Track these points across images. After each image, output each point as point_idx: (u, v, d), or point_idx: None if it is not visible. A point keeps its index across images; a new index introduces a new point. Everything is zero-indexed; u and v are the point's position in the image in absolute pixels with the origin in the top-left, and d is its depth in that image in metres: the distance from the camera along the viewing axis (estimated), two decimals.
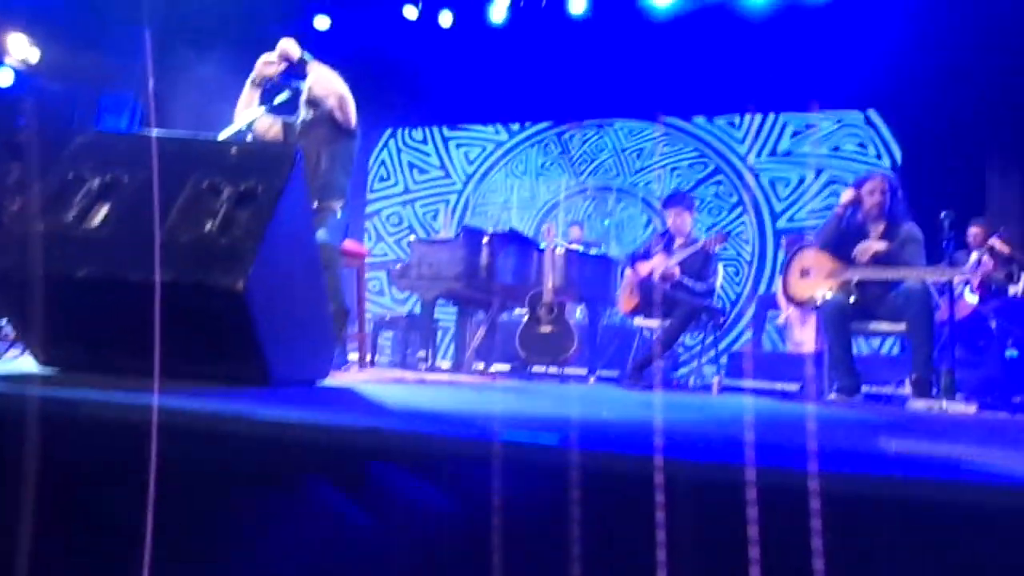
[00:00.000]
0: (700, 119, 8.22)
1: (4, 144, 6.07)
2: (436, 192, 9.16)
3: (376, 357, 6.28)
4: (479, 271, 4.98)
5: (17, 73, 6.08)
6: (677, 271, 4.49)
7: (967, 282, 5.21)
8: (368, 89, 8.10)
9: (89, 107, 6.55)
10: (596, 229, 8.14)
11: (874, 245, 3.83)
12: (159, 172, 1.35)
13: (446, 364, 6.17)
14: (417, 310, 6.01)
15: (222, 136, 3.12)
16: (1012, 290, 5.08)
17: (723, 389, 4.74)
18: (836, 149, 7.64)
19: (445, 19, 8.02)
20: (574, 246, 7.28)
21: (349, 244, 3.74)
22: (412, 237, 5.42)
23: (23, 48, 5.89)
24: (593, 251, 5.99)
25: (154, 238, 1.26)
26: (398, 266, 5.31)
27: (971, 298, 5.37)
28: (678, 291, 4.47)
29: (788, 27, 6.97)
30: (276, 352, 1.39)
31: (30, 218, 1.33)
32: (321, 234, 3.33)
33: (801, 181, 7.68)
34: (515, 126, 8.97)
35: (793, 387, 5.29)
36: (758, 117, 7.97)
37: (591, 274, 5.43)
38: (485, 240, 5.03)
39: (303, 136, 3.57)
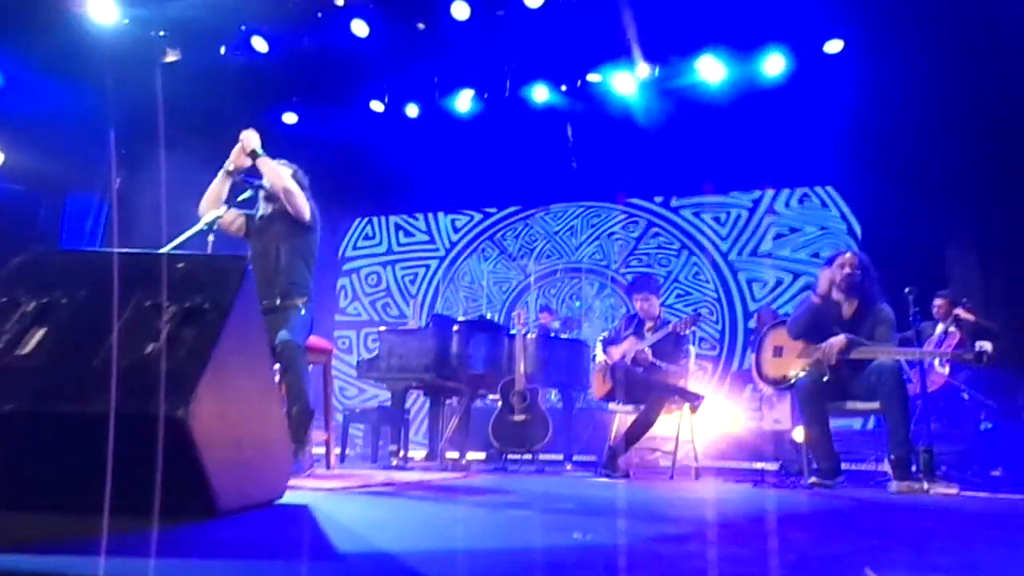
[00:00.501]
0: (674, 201, 8.40)
1: None
2: (418, 257, 9.18)
3: (347, 451, 6.10)
4: (450, 360, 4.90)
5: None
6: (649, 354, 4.46)
7: None
8: (338, 181, 8.21)
9: (55, 209, 6.50)
10: (568, 312, 8.14)
11: (836, 344, 3.77)
12: (100, 292, 1.29)
13: (420, 455, 6.00)
14: (388, 401, 5.88)
15: (188, 234, 3.09)
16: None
17: (702, 473, 4.64)
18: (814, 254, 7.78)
19: (411, 111, 8.19)
20: (553, 324, 7.28)
21: (314, 340, 3.66)
22: (382, 328, 5.33)
23: None
24: (565, 335, 5.96)
25: (88, 364, 1.19)
26: (373, 351, 5.22)
27: (942, 370, 5.40)
28: (651, 374, 4.43)
29: (746, 108, 7.22)
30: (225, 479, 1.30)
31: None
32: (283, 333, 3.26)
33: (779, 283, 7.80)
34: (477, 214, 9.09)
35: (773, 467, 5.21)
36: (744, 214, 8.13)
37: (563, 359, 5.38)
38: (455, 328, 4.98)
39: (263, 231, 3.55)
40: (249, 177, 3.47)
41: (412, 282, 9.03)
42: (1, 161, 6.39)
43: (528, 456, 4.87)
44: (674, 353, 4.58)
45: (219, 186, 3.43)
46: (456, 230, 9.14)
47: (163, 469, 1.18)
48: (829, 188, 7.77)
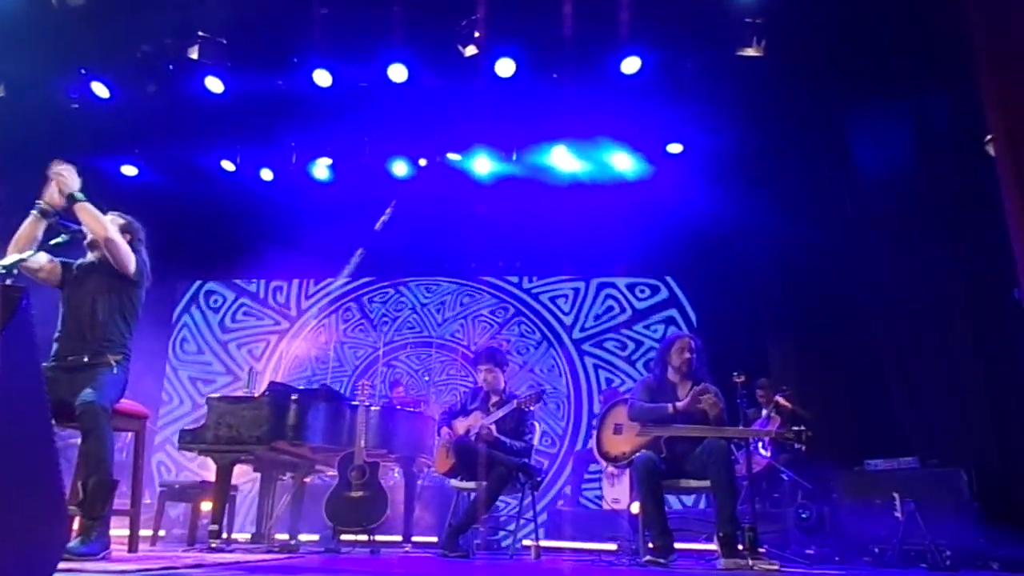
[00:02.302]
0: (526, 282, 8.57)
1: None
2: (260, 331, 8.68)
3: (160, 532, 5.49)
4: (286, 432, 4.59)
5: None
6: (493, 430, 4.40)
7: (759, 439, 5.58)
8: (177, 240, 7.70)
9: None
10: (417, 386, 7.98)
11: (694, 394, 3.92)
12: None
13: (245, 537, 5.51)
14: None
15: None
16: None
17: (542, 553, 4.57)
18: (648, 326, 8.17)
19: (266, 174, 7.95)
20: (403, 395, 7.04)
21: (126, 404, 3.30)
22: (213, 395, 4.93)
23: None
24: (410, 409, 5.80)
25: None
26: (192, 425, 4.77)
27: (765, 453, 5.74)
28: (496, 450, 4.36)
29: (601, 199, 7.62)
30: None
31: None
32: (87, 393, 2.92)
33: (621, 348, 8.10)
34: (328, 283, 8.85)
35: (611, 547, 5.23)
36: (581, 286, 8.43)
37: (406, 432, 5.20)
38: (294, 398, 4.69)
39: (79, 282, 3.22)
40: (65, 220, 3.15)
41: (257, 358, 8.54)
42: None
43: (365, 536, 4.59)
44: (518, 429, 4.54)
45: (31, 228, 3.07)
46: (309, 296, 8.80)
47: None
48: (668, 278, 8.27)
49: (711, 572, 3.52)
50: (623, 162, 7.53)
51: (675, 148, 7.41)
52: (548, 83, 6.68)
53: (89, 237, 3.21)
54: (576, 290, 8.43)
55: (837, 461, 5.38)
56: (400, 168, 7.92)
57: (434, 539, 5.48)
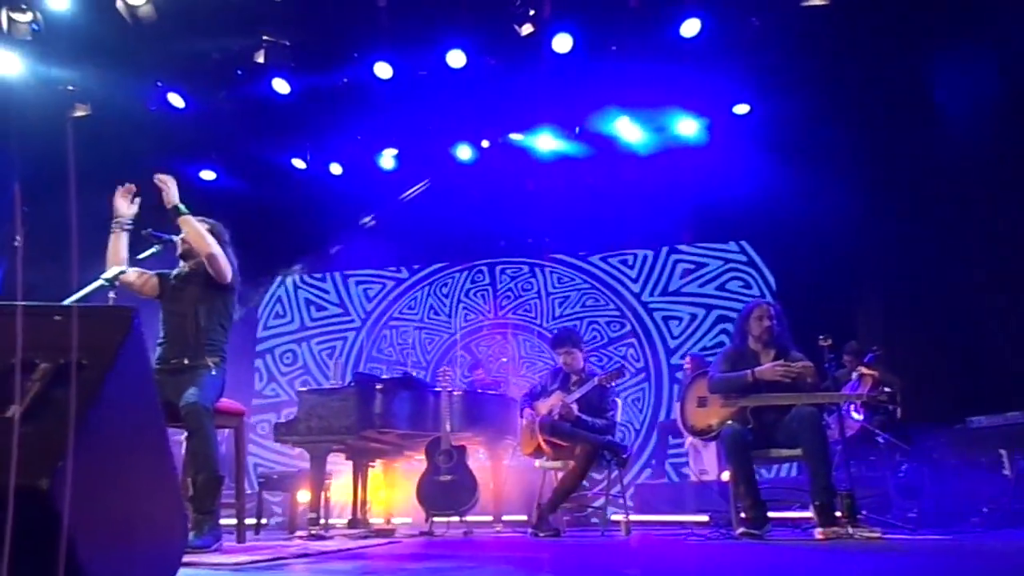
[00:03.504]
0: (594, 257, 8.51)
1: None
2: (334, 329, 8.92)
3: (263, 521, 5.77)
4: (374, 420, 4.72)
5: None
6: (575, 409, 4.41)
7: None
8: (257, 237, 8.00)
9: None
10: (496, 368, 8.06)
11: (773, 368, 3.84)
12: None
13: (341, 522, 5.72)
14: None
15: (85, 291, 2.89)
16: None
17: (633, 528, 4.58)
18: (721, 287, 8.00)
19: (335, 169, 8.14)
20: (482, 377, 7.14)
21: (225, 403, 3.46)
22: (301, 388, 5.12)
23: None
24: (492, 392, 5.87)
25: None
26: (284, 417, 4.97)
27: (857, 416, 5.55)
28: (578, 429, 4.37)
29: (668, 168, 7.48)
30: (99, 560, 1.16)
31: None
32: (190, 394, 3.07)
33: (693, 318, 7.97)
34: (405, 270, 8.99)
35: (703, 519, 5.18)
36: (649, 254, 8.33)
37: (490, 415, 5.27)
38: (379, 387, 4.81)
39: (179, 292, 3.39)
40: (157, 231, 3.31)
41: (330, 355, 8.78)
42: None
43: (456, 518, 4.70)
44: (600, 407, 4.54)
45: (116, 243, 3.25)
46: (374, 295, 8.97)
47: (22, 548, 1.04)
48: (743, 242, 8.05)
49: (809, 542, 3.45)
50: (688, 127, 7.36)
51: (742, 109, 7.19)
52: (607, 55, 6.58)
53: (181, 248, 3.37)
54: (647, 259, 8.32)
55: (936, 420, 5.16)
56: (464, 152, 7.97)
57: (523, 518, 5.55)
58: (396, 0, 6.10)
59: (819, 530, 3.47)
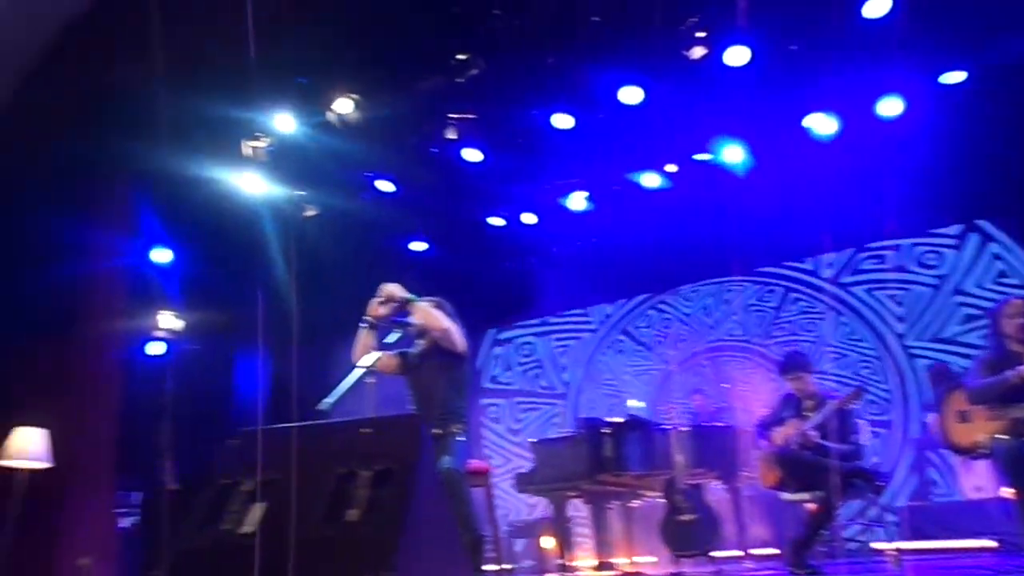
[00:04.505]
0: (807, 262, 8.08)
1: (157, 408, 6.64)
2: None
3: (509, 566, 6.05)
4: (605, 464, 4.82)
5: (166, 343, 6.80)
6: (816, 436, 4.21)
7: None
8: (467, 296, 8.56)
9: (226, 364, 7.17)
10: (718, 394, 7.85)
11: None
12: (301, 464, 1.42)
13: (588, 564, 5.85)
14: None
15: (349, 380, 3.31)
16: None
17: (905, 556, 4.22)
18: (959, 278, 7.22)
19: (529, 218, 8.53)
20: (703, 405, 6.99)
21: (473, 464, 3.74)
22: (531, 440, 5.37)
23: (170, 321, 6.63)
24: (719, 423, 5.75)
25: (302, 536, 1.30)
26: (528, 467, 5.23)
27: None
28: (822, 458, 4.15)
29: (866, 155, 6.98)
30: None
31: (191, 532, 1.42)
32: (445, 460, 3.36)
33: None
34: (609, 306, 9.08)
35: (989, 544, 4.64)
36: (858, 253, 7.77)
37: (721, 449, 5.16)
38: (605, 431, 4.92)
39: (418, 367, 3.75)
40: (396, 318, 3.71)
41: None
42: (179, 326, 7.15)
43: (703, 556, 4.64)
44: (842, 431, 4.28)
45: (365, 338, 3.66)
46: (582, 328, 9.15)
47: None
48: (982, 222, 7.22)
49: None
50: (890, 107, 6.80)
51: (954, 77, 6.52)
52: (786, 57, 6.32)
53: (417, 328, 3.74)
54: (861, 257, 7.73)
55: None
56: (651, 180, 7.99)
57: (772, 551, 5.33)
58: (563, 55, 6.36)
59: None
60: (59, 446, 5.30)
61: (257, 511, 1.45)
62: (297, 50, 5.83)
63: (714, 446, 5.09)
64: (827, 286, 7.86)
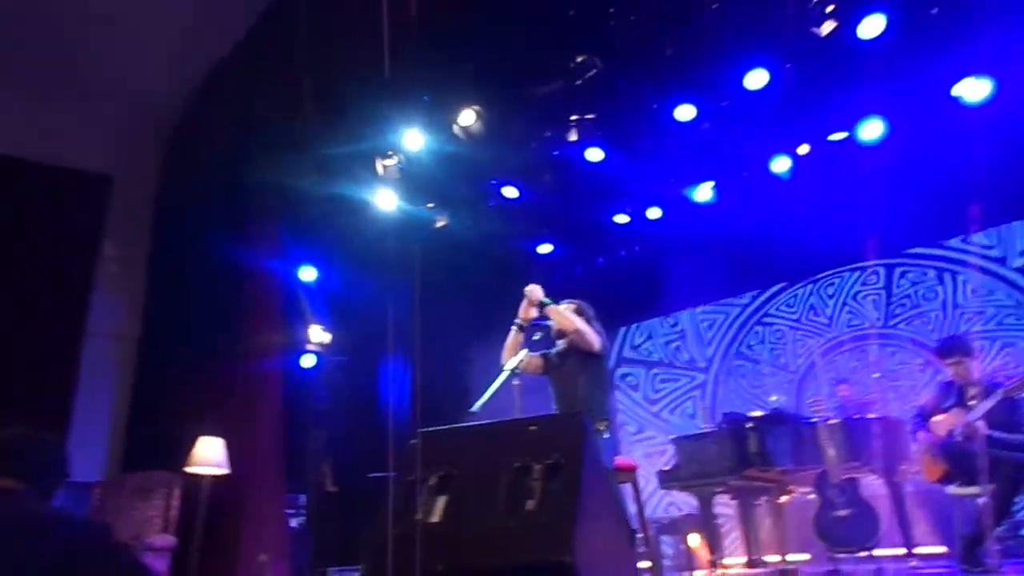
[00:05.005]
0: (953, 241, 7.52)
1: (312, 415, 7.17)
2: (686, 366, 9.10)
3: (661, 563, 6.03)
4: (751, 459, 4.74)
5: (316, 355, 7.32)
6: (982, 426, 3.94)
7: None
8: (597, 294, 8.62)
9: (372, 374, 7.61)
10: (866, 384, 7.46)
11: None
12: (477, 460, 1.54)
13: (738, 562, 5.74)
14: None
15: (498, 382, 3.47)
16: None
17: None
18: None
19: (654, 213, 8.45)
20: (849, 395, 6.65)
21: (620, 460, 3.80)
22: (672, 436, 5.35)
23: (319, 335, 7.13)
24: (871, 415, 5.48)
25: (485, 524, 1.42)
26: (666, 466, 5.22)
27: None
28: (991, 449, 3.88)
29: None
30: None
31: (389, 521, 1.57)
32: None
33: None
34: (744, 297, 8.83)
35: None
36: None
37: (876, 441, 4.92)
38: (749, 425, 4.83)
39: (559, 366, 3.87)
40: (536, 322, 3.85)
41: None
42: (327, 339, 7.67)
43: (863, 553, 4.45)
44: (1011, 421, 3.98)
45: (514, 338, 3.84)
46: (713, 325, 8.94)
47: None
48: None
49: None
50: None
51: None
52: (927, 22, 5.94)
53: (555, 329, 3.86)
54: None
55: None
56: (781, 165, 7.71)
57: (939, 549, 5.02)
58: (682, 45, 6.28)
59: None
60: (234, 454, 5.85)
61: (440, 502, 1.58)
62: (421, 69, 6.12)
63: (868, 438, 4.87)
64: (988, 265, 7.27)
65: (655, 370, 9.24)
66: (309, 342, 7.12)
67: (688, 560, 5.63)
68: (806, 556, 5.70)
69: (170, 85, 7.01)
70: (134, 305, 7.12)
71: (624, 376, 9.34)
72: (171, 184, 7.39)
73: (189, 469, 5.61)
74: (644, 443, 8.98)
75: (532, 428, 1.63)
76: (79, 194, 6.70)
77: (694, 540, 5.62)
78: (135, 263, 7.20)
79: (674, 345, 9.20)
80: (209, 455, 5.61)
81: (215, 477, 5.65)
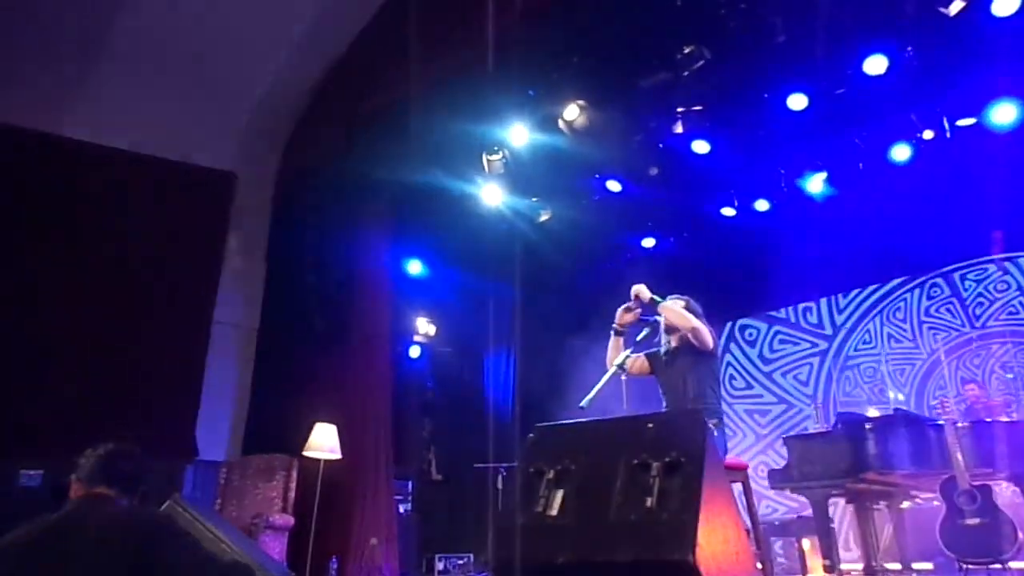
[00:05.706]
0: None
1: (418, 404, 7.39)
2: (795, 359, 8.76)
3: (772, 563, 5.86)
4: (869, 461, 4.52)
5: (422, 347, 7.54)
6: None
7: None
8: (704, 288, 8.45)
9: (475, 366, 7.77)
10: (999, 385, 6.96)
11: None
12: (595, 456, 1.57)
13: (852, 567, 5.51)
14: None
15: (603, 380, 3.47)
16: None
17: None
18: None
19: (762, 205, 8.18)
20: (979, 396, 6.23)
21: (730, 459, 3.72)
22: (785, 436, 5.18)
23: (425, 327, 7.34)
24: (1004, 418, 5.12)
25: (605, 519, 1.44)
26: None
27: None
28: None
29: None
30: None
31: (512, 513, 1.63)
32: None
33: None
34: (863, 290, 8.41)
35: None
36: None
37: (1010, 445, 4.59)
38: (868, 427, 4.61)
39: (668, 365, 3.81)
40: (644, 316, 3.80)
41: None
42: (433, 332, 7.89)
43: (996, 566, 4.17)
44: None
45: (614, 344, 3.80)
46: (841, 311, 8.53)
47: None
48: None
49: None
50: None
51: None
52: None
53: (663, 325, 3.80)
54: None
55: None
56: (901, 153, 7.29)
57: None
58: (795, 32, 6.03)
59: None
60: (345, 440, 6.11)
61: (559, 496, 1.62)
62: (526, 64, 6.17)
63: (999, 443, 4.55)
64: None
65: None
66: (416, 334, 7.34)
67: (802, 563, 5.44)
68: (929, 565, 5.40)
69: (290, 85, 7.36)
70: (254, 296, 7.51)
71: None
72: (288, 180, 7.76)
73: (306, 453, 5.92)
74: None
75: (650, 426, 1.63)
76: (207, 190, 7.12)
77: (807, 543, 5.43)
78: (255, 256, 7.58)
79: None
80: (323, 441, 5.90)
81: (328, 462, 5.92)
